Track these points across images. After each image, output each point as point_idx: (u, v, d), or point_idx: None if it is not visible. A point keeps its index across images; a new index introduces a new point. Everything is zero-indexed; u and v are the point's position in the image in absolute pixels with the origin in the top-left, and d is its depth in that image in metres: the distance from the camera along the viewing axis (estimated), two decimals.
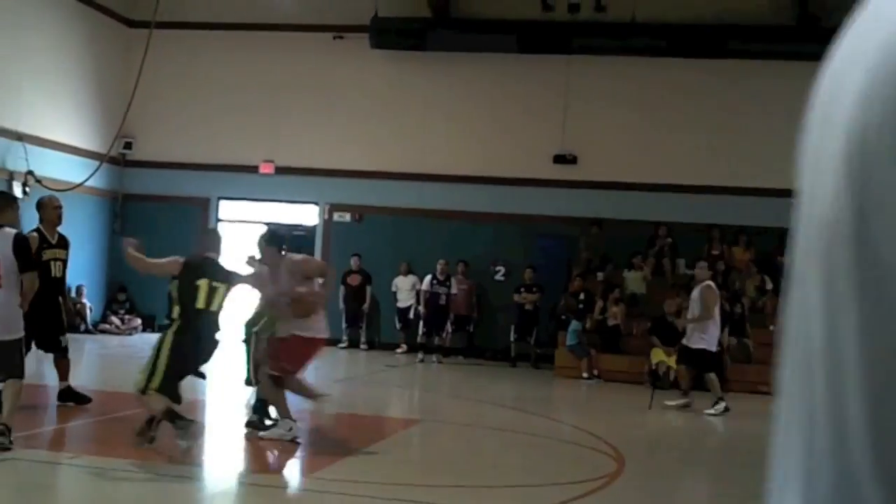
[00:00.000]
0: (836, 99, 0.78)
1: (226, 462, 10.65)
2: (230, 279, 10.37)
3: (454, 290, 22.69)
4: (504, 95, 24.29)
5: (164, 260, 10.39)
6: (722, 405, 16.17)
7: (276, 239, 11.52)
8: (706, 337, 16.23)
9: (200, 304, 10.00)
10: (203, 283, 10.01)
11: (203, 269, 10.18)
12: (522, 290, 22.76)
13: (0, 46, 21.10)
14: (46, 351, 12.08)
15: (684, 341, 16.69)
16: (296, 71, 24.91)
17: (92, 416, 11.53)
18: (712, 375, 16.37)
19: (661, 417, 16.47)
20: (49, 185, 22.25)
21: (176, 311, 10.09)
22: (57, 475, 9.05)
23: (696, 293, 16.45)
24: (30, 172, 21.82)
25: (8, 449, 8.87)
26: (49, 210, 12.42)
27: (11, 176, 21.52)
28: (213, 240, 11.00)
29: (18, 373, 9.39)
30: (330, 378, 18.91)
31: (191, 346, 10.00)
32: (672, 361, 19.75)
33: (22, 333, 9.45)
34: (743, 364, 20.53)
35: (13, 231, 9.64)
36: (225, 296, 10.20)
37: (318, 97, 24.77)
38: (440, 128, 24.44)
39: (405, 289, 23.53)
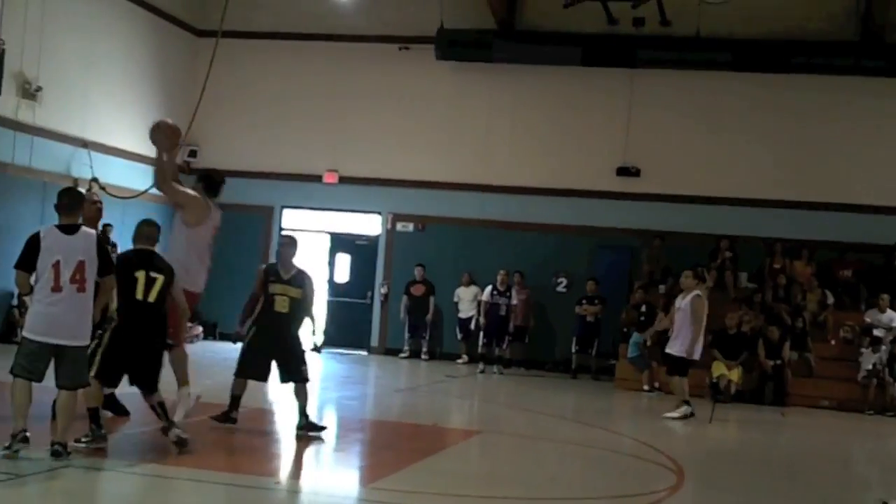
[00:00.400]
0: None
1: (282, 470, 10.64)
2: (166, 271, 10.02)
3: (514, 301, 22.59)
4: (568, 107, 24.22)
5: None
6: (688, 409, 16.20)
7: None
8: (686, 345, 16.10)
9: (139, 295, 9.81)
10: (140, 275, 9.82)
11: (140, 261, 9.95)
12: (584, 301, 22.63)
13: (69, 54, 21.34)
14: None
15: (667, 349, 16.59)
16: (361, 81, 24.97)
17: (148, 425, 11.56)
18: (680, 378, 16.35)
19: (721, 431, 16.30)
20: (113, 191, 22.45)
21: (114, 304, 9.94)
22: (112, 484, 9.04)
23: (685, 303, 16.22)
24: (94, 179, 22.00)
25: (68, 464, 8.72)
26: (88, 206, 11.27)
27: (76, 182, 21.66)
28: (149, 232, 10.31)
29: (82, 382, 9.11)
30: (391, 387, 18.95)
31: (129, 337, 9.81)
32: (733, 375, 19.59)
33: (89, 342, 9.12)
34: (804, 378, 20.30)
35: (93, 231, 9.34)
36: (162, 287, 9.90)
37: (382, 107, 24.82)
38: (504, 138, 24.39)
39: (467, 299, 23.47)
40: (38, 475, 8.45)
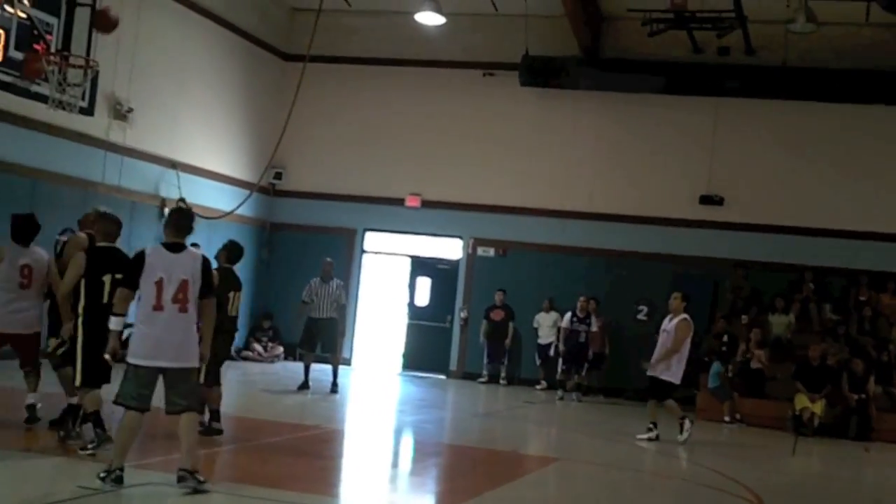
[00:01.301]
0: None
1: (361, 495, 10.55)
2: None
3: (594, 328, 22.35)
4: (651, 135, 24.07)
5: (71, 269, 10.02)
6: (689, 423, 15.92)
7: None
8: (672, 370, 15.80)
9: (105, 299, 9.65)
10: (107, 279, 9.69)
11: (106, 264, 9.81)
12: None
13: (160, 76, 21.57)
14: None
15: (650, 372, 16.17)
16: (445, 106, 25.05)
17: (231, 443, 11.54)
18: (671, 402, 15.98)
19: (803, 464, 15.99)
20: (199, 212, 22.59)
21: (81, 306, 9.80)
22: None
23: (671, 325, 15.99)
24: (181, 199, 22.19)
25: (203, 491, 8.39)
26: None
27: (164, 202, 21.93)
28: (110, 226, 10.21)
29: (194, 405, 8.69)
30: (469, 412, 18.82)
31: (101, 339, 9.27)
32: (816, 408, 19.21)
33: (198, 363, 8.69)
34: (889, 413, 19.85)
35: (200, 252, 8.95)
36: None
37: (466, 132, 24.84)
38: (586, 165, 24.24)
39: (547, 325, 23.31)
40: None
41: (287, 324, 22.72)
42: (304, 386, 18.12)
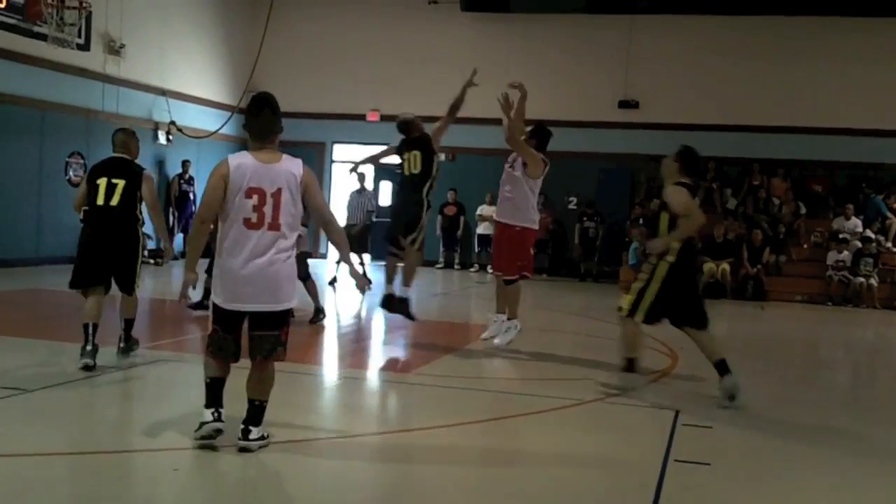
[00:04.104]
0: None
1: (341, 362, 10.81)
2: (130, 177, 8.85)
3: None
4: (575, 50, 24.36)
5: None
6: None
7: None
8: None
9: (100, 200, 8.69)
10: (102, 181, 8.72)
11: (103, 169, 8.89)
12: (585, 218, 22.87)
13: (147, 14, 21.41)
14: None
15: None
16: (397, 32, 25.04)
17: None
18: None
19: (711, 322, 16.32)
20: (189, 133, 22.62)
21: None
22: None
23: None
24: (172, 122, 22.18)
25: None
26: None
27: (157, 126, 21.90)
28: (122, 140, 9.20)
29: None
30: (429, 293, 19.06)
31: (94, 240, 8.73)
32: (723, 266, 19.71)
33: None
34: (778, 277, 20.38)
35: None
36: (123, 192, 8.73)
37: (416, 54, 24.86)
38: (521, 78, 24.00)
39: (488, 216, 23.60)
40: None
41: None
42: (334, 281, 18.12)
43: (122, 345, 9.09)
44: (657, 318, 8.61)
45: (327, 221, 6.26)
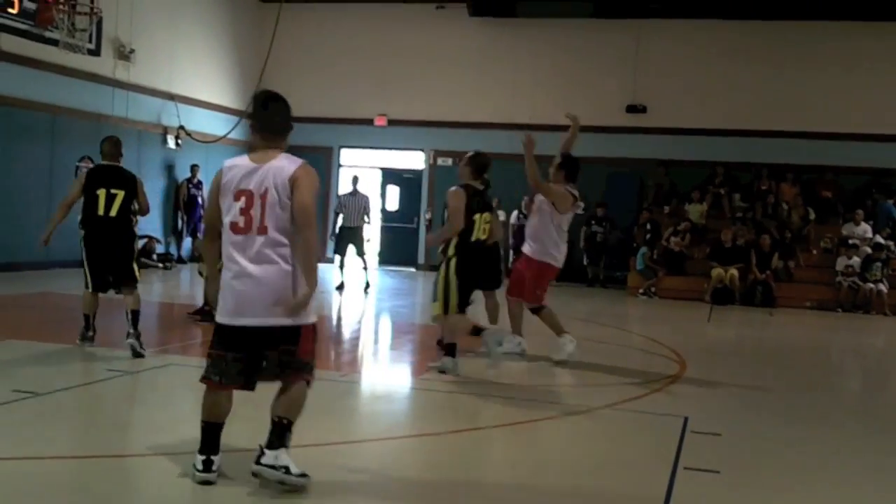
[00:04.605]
0: None
1: (347, 365, 10.81)
2: (127, 186, 9.43)
3: None
4: (583, 54, 24.23)
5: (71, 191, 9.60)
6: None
7: None
8: None
9: (100, 210, 9.29)
10: (101, 192, 9.29)
11: (100, 179, 9.40)
12: (593, 222, 22.77)
13: (156, 20, 21.45)
14: None
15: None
16: (405, 37, 25.02)
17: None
18: None
19: (718, 328, 16.33)
20: (197, 137, 22.66)
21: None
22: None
23: None
24: (181, 127, 22.22)
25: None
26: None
27: (166, 130, 21.95)
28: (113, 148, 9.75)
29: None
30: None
31: (98, 249, 9.39)
32: (732, 272, 19.66)
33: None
34: (788, 283, 20.32)
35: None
36: (122, 202, 9.35)
37: (424, 59, 24.85)
38: (528, 83, 24.33)
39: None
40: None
41: None
42: (341, 286, 17.95)
43: (133, 337, 9.28)
44: (467, 302, 9.51)
45: (300, 226, 5.24)
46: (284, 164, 5.31)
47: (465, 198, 9.31)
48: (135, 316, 9.38)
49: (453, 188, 9.43)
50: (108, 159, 9.66)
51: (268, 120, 5.51)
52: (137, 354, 9.20)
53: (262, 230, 5.23)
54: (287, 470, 5.25)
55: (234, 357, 5.34)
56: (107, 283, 9.55)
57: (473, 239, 9.40)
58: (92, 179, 9.44)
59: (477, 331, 9.76)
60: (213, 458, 5.38)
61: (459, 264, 9.31)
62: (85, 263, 9.47)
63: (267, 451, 5.31)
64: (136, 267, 9.63)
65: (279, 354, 5.33)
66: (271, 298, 5.23)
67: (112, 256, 9.47)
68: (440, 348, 10.09)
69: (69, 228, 9.94)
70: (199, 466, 5.37)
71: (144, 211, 9.74)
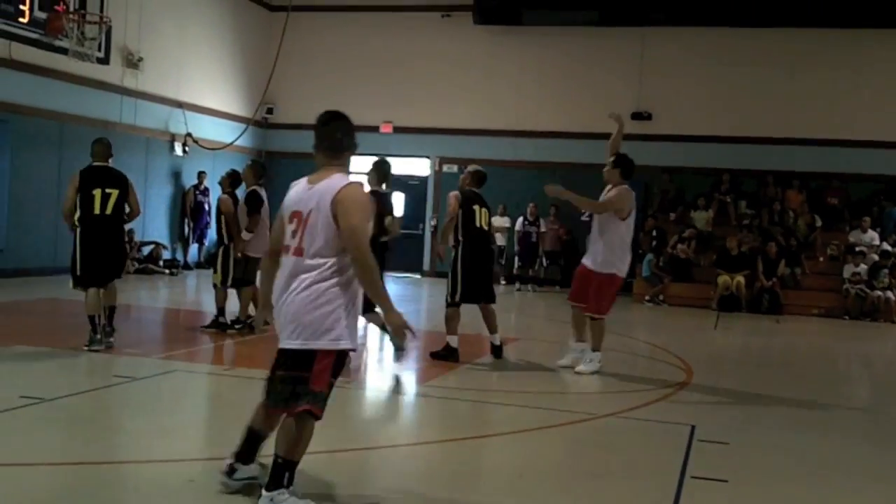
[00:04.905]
0: None
1: (353, 372, 10.78)
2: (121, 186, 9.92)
3: (543, 229, 22.70)
4: (587, 62, 24.18)
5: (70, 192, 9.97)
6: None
7: None
8: None
9: (96, 209, 9.74)
10: (97, 192, 9.75)
11: (95, 179, 9.84)
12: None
13: (165, 28, 21.48)
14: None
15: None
16: (410, 44, 25.01)
17: (242, 337, 11.72)
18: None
19: (725, 335, 16.29)
20: (204, 144, 22.69)
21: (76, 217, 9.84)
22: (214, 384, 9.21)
23: None
24: (188, 134, 22.27)
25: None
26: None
27: (173, 137, 22.00)
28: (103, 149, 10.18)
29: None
30: (441, 304, 19.04)
31: (94, 246, 9.80)
32: (738, 279, 19.61)
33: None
34: (794, 290, 20.27)
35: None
36: (116, 201, 9.84)
37: (429, 66, 24.84)
38: (533, 91, 24.34)
39: (499, 227, 23.47)
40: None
41: None
42: None
43: (107, 329, 9.94)
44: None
45: (349, 250, 4.96)
46: (332, 184, 5.07)
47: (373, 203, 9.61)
48: (112, 312, 10.00)
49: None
50: (100, 160, 10.06)
51: (326, 138, 5.37)
52: (108, 346, 9.85)
53: (299, 252, 5.02)
54: None
55: (272, 376, 5.21)
56: (97, 277, 9.88)
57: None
58: (86, 180, 9.86)
59: (383, 328, 10.00)
60: (234, 466, 5.35)
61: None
62: (78, 259, 9.80)
63: (264, 493, 5.02)
64: (125, 263, 10.42)
65: (287, 378, 5.03)
66: (292, 319, 4.99)
67: (107, 252, 9.92)
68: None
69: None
70: (223, 467, 5.35)
71: (136, 212, 10.19)
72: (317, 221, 4.99)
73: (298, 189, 5.22)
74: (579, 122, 23.75)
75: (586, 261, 10.55)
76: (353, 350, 5.14)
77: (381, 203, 10.08)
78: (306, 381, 4.96)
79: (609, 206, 10.51)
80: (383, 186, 10.40)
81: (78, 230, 9.83)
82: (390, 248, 10.73)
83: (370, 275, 4.96)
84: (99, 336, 9.78)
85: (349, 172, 5.24)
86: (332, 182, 5.09)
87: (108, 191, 9.81)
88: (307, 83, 25.23)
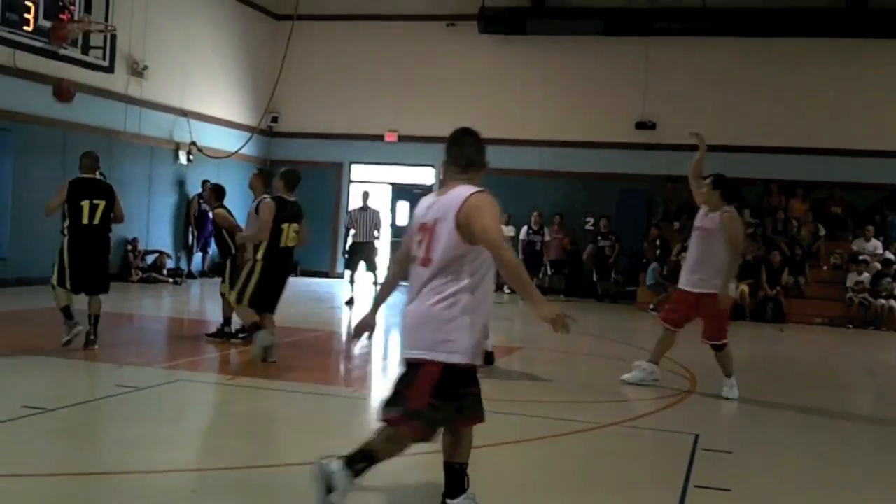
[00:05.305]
0: None
1: (356, 382, 10.75)
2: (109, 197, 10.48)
3: (547, 238, 22.67)
4: (592, 72, 24.19)
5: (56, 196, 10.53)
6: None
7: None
8: None
9: (84, 219, 10.25)
10: (85, 203, 10.25)
11: (83, 191, 10.35)
12: (599, 237, 22.71)
13: (170, 37, 21.51)
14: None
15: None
16: (415, 54, 25.05)
17: (247, 346, 11.69)
18: None
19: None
20: (209, 153, 22.69)
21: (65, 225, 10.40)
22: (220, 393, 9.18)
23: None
24: (193, 143, 22.27)
25: None
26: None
27: (178, 146, 22.01)
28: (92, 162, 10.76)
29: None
30: None
31: (81, 253, 10.27)
32: (743, 287, 19.54)
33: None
34: (798, 299, 20.21)
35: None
36: (103, 212, 10.37)
37: (434, 75, 24.87)
38: (537, 100, 24.36)
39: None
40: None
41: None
42: (351, 301, 17.88)
43: (91, 337, 10.33)
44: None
45: (491, 250, 4.96)
46: (459, 194, 5.10)
47: (275, 209, 10.29)
48: (97, 320, 10.41)
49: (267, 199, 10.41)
50: (88, 172, 10.58)
51: (456, 153, 5.45)
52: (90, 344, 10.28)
53: (426, 262, 5.04)
54: None
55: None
56: (85, 285, 10.39)
57: (282, 245, 10.43)
58: (75, 191, 10.36)
59: (255, 327, 10.29)
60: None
61: (266, 263, 10.32)
62: (66, 265, 10.25)
63: (448, 501, 5.35)
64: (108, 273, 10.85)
65: (394, 391, 5.12)
66: (411, 328, 5.07)
67: (94, 259, 10.46)
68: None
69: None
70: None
71: (120, 219, 10.79)
72: (443, 230, 5.01)
73: (426, 201, 5.30)
74: (584, 131, 23.79)
75: (688, 285, 10.05)
76: (470, 365, 5.09)
77: (291, 211, 10.53)
78: (404, 393, 5.03)
79: (738, 248, 10.15)
80: (291, 196, 10.63)
81: (66, 238, 10.35)
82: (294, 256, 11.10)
83: (513, 269, 4.87)
84: (80, 328, 10.28)
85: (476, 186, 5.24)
86: (459, 192, 5.13)
87: (95, 202, 10.33)
88: (312, 92, 25.29)
